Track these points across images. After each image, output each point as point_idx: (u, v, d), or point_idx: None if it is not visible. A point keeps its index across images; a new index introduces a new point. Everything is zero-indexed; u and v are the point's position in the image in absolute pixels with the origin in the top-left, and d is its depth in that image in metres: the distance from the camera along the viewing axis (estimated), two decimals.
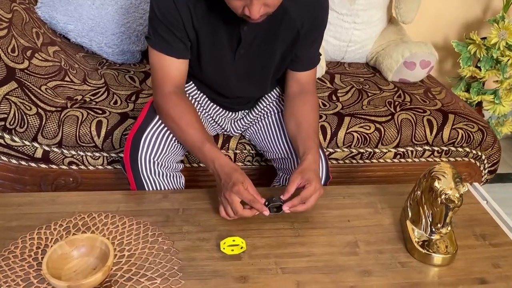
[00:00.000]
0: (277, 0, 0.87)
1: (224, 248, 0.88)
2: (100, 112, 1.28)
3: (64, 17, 1.56)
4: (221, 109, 1.21)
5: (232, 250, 0.89)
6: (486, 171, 1.46)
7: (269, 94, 1.22)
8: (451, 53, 1.94)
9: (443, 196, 0.86)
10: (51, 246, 0.83)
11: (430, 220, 0.91)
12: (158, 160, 1.06)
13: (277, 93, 1.23)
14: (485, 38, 1.77)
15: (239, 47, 1.02)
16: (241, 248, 0.89)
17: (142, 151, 1.04)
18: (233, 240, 0.89)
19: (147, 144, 1.05)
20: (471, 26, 1.98)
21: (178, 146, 1.11)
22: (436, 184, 0.87)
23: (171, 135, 1.08)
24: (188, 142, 1.01)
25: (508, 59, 1.73)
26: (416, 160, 1.40)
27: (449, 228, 0.87)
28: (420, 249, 0.90)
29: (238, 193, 0.89)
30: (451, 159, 1.41)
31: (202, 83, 1.16)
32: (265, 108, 1.22)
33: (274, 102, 1.23)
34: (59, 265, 0.81)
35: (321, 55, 1.15)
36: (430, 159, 1.40)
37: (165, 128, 1.08)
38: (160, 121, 1.08)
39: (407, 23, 1.65)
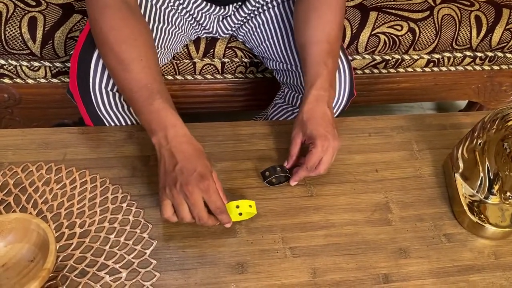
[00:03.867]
0: None
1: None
2: (34, 3, 0.91)
3: None
4: (204, 3, 0.85)
5: (240, 214, 0.64)
6: None
7: None
8: None
9: None
10: None
11: (492, 180, 0.68)
12: (118, 91, 0.75)
13: None
14: None
15: None
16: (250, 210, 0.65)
17: (94, 79, 0.72)
18: (237, 206, 0.64)
19: (100, 69, 0.72)
20: None
21: None
22: None
23: None
24: (127, 89, 0.64)
25: None
26: (452, 68, 1.11)
27: None
28: (470, 215, 0.68)
29: (206, 192, 0.59)
30: (495, 67, 1.12)
31: None
32: None
33: None
34: None
35: None
36: (469, 67, 1.11)
37: None
38: None
39: None
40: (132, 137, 0.76)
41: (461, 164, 0.72)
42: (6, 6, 0.89)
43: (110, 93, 0.73)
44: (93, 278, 0.59)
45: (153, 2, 0.80)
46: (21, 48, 0.90)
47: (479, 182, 0.69)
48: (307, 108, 0.68)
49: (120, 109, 0.76)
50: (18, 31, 0.88)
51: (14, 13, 0.89)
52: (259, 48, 0.91)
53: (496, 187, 0.67)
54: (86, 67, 0.71)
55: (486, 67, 1.11)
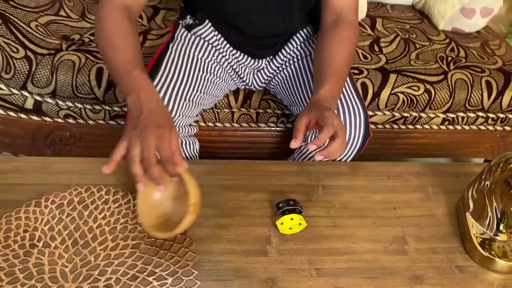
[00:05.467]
0: None
1: (282, 223, 0.76)
2: (101, 56, 1.08)
3: None
4: (242, 56, 1.01)
5: (290, 228, 0.76)
6: None
7: (298, 35, 1.02)
8: None
9: None
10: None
11: (499, 218, 0.75)
12: None
13: (308, 34, 1.03)
14: None
15: None
16: (300, 224, 0.77)
17: None
18: (291, 219, 0.76)
19: None
20: None
21: (191, 105, 0.93)
22: None
23: (181, 91, 0.90)
24: (115, 65, 0.78)
25: None
26: (466, 127, 1.21)
27: None
28: (481, 250, 0.75)
29: (160, 138, 0.67)
30: (507, 127, 1.22)
31: (221, 20, 0.96)
32: (292, 52, 1.02)
33: (303, 44, 1.02)
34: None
35: None
36: (482, 127, 1.21)
37: (173, 83, 0.89)
38: (166, 74, 0.90)
39: None
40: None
41: (471, 204, 0.80)
42: (79, 58, 1.06)
43: None
44: (143, 282, 0.67)
45: (199, 56, 0.96)
46: (87, 93, 1.06)
47: (488, 221, 0.77)
48: (313, 100, 0.78)
49: None
50: (87, 79, 1.05)
51: (85, 64, 1.05)
52: (288, 97, 1.04)
53: (503, 224, 0.74)
54: None
55: (499, 127, 1.21)
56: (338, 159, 0.94)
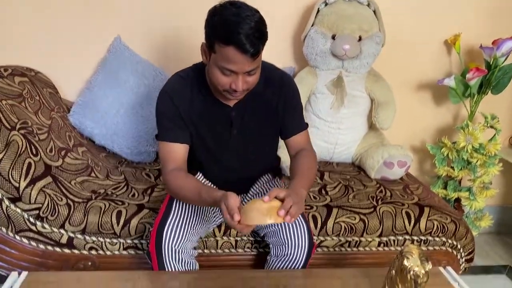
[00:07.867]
0: (254, 79, 1.17)
1: None
2: (120, 203, 1.48)
3: (92, 123, 1.84)
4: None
5: None
6: (463, 259, 1.61)
7: (261, 178, 1.47)
8: (428, 154, 2.19)
9: (411, 272, 1.02)
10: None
11: None
12: (178, 248, 1.23)
13: (268, 178, 1.49)
14: (455, 142, 2.02)
15: (232, 127, 1.30)
16: None
17: (165, 241, 1.22)
18: None
19: (169, 234, 1.23)
20: (443, 131, 2.25)
21: (193, 232, 1.29)
22: (405, 262, 1.03)
23: (187, 222, 1.27)
24: (192, 199, 1.21)
25: (477, 160, 1.96)
26: (399, 248, 1.55)
27: None
28: None
29: (223, 211, 1.07)
30: (430, 248, 1.57)
31: (210, 170, 1.40)
32: (258, 189, 1.45)
33: (266, 184, 1.47)
34: None
35: (307, 125, 1.40)
36: None
37: (182, 217, 1.27)
38: (177, 211, 1.28)
39: (384, 129, 1.92)
40: (176, 278, 1.19)
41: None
42: (104, 204, 1.45)
43: (174, 249, 1.21)
44: None
45: (202, 210, 1.35)
46: (108, 229, 1.41)
47: None
48: (290, 189, 1.13)
49: (179, 263, 1.22)
50: (109, 219, 1.42)
51: (109, 208, 1.44)
52: (262, 228, 1.40)
53: None
54: (160, 236, 1.22)
55: (424, 248, 1.56)
56: (293, 266, 1.28)
